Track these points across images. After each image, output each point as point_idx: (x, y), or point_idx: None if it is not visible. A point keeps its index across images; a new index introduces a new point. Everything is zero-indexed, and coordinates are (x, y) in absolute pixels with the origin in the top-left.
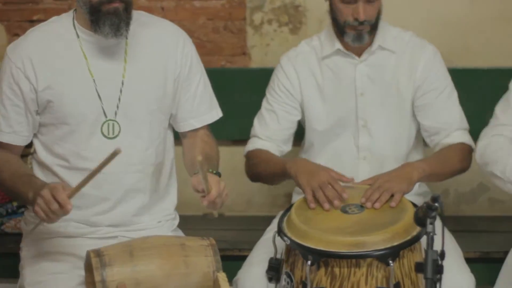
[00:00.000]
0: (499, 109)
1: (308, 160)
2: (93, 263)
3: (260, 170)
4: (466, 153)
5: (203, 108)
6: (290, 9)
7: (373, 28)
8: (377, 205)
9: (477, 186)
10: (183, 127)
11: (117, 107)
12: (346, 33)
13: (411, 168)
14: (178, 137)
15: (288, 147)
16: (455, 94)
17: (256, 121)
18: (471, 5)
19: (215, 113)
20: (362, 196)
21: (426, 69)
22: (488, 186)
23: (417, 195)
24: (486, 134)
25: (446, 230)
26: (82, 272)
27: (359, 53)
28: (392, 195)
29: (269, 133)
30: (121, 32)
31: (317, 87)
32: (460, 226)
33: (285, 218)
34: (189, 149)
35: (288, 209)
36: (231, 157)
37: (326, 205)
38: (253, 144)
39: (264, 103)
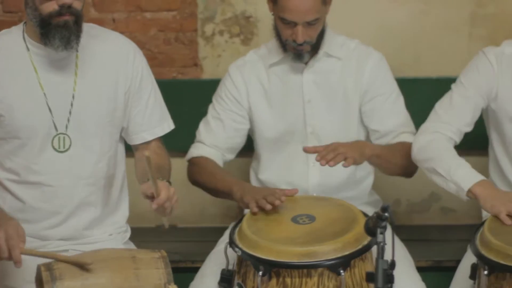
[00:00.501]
0: (440, 106)
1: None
2: (43, 277)
3: (204, 180)
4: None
5: (155, 121)
6: (241, 20)
7: (315, 47)
8: (331, 163)
9: (428, 195)
10: (135, 140)
11: (68, 120)
12: (287, 51)
13: (364, 143)
14: (130, 149)
15: (232, 156)
16: (401, 99)
17: (202, 127)
18: (420, 15)
19: (167, 126)
20: (317, 155)
21: (372, 75)
22: (440, 195)
23: (368, 204)
24: (428, 129)
25: (397, 239)
26: (33, 286)
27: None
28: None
29: (215, 140)
30: (72, 45)
31: (265, 94)
32: (412, 235)
33: (237, 229)
34: (141, 162)
35: (240, 220)
36: (184, 168)
37: (268, 206)
38: (198, 150)
39: (210, 110)
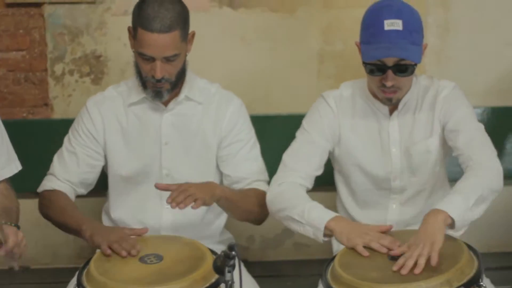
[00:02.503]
0: (287, 155)
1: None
2: None
3: (53, 215)
4: (264, 202)
5: (2, 162)
6: (91, 60)
7: (174, 85)
8: (181, 206)
9: (282, 231)
10: None
11: None
12: (147, 89)
13: (215, 185)
14: None
15: (84, 190)
16: (257, 147)
17: (55, 159)
18: (269, 53)
19: (14, 167)
20: (168, 197)
21: (231, 121)
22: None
23: (220, 243)
24: (277, 180)
25: (249, 276)
26: None
27: (166, 102)
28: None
29: (68, 175)
30: None
31: (122, 132)
32: (265, 271)
33: (85, 271)
34: None
35: (88, 261)
36: (35, 209)
37: (124, 253)
38: (50, 183)
39: (66, 143)
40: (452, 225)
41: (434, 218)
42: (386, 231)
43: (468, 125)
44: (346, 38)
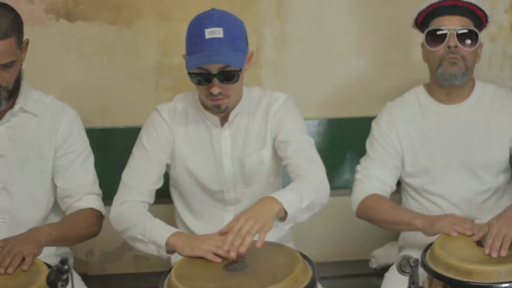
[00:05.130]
0: (125, 174)
1: None
2: None
3: None
4: (95, 219)
5: None
6: None
7: (11, 94)
8: (10, 270)
9: (121, 244)
10: None
11: None
12: None
13: (39, 231)
14: None
15: None
16: (91, 159)
17: None
18: (107, 66)
19: None
20: None
21: (65, 132)
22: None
23: (56, 256)
24: (118, 200)
25: None
26: None
27: (1, 115)
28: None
29: None
30: None
31: None
32: (105, 285)
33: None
34: None
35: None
36: None
37: None
38: None
39: None
40: (282, 218)
41: (271, 205)
42: (223, 234)
43: (298, 136)
44: (183, 51)
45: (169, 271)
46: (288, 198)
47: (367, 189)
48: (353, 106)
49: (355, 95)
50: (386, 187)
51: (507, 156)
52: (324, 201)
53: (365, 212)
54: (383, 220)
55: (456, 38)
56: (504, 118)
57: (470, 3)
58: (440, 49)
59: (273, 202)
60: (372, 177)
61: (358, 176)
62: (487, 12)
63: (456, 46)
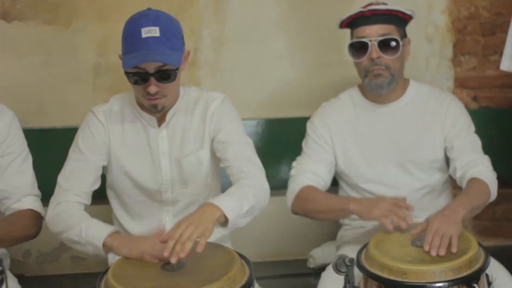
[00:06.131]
0: (61, 177)
1: None
2: None
3: None
4: (33, 220)
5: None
6: None
7: None
8: None
9: (59, 245)
10: None
11: None
12: None
13: None
14: None
15: None
16: (29, 160)
17: None
18: (43, 66)
19: None
20: None
21: (3, 133)
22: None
23: None
24: (53, 202)
25: None
26: None
27: None
28: None
29: None
30: None
31: None
32: (43, 286)
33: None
34: None
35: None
36: None
37: None
38: None
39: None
40: (223, 224)
41: (211, 211)
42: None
43: (237, 138)
44: (120, 51)
45: (106, 271)
46: (228, 204)
47: (301, 182)
48: (291, 107)
49: (292, 96)
50: (319, 180)
51: (441, 155)
52: (264, 204)
53: (300, 206)
54: (318, 210)
55: (378, 48)
56: (437, 118)
57: (389, 9)
58: (364, 60)
59: (213, 208)
60: (306, 170)
61: (292, 172)
62: (409, 12)
63: (378, 57)
